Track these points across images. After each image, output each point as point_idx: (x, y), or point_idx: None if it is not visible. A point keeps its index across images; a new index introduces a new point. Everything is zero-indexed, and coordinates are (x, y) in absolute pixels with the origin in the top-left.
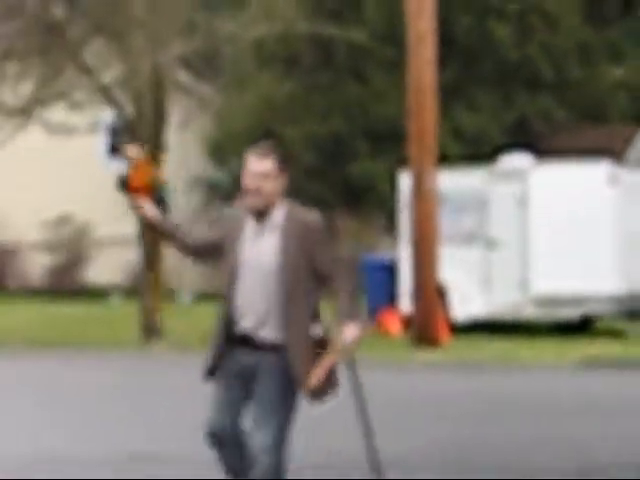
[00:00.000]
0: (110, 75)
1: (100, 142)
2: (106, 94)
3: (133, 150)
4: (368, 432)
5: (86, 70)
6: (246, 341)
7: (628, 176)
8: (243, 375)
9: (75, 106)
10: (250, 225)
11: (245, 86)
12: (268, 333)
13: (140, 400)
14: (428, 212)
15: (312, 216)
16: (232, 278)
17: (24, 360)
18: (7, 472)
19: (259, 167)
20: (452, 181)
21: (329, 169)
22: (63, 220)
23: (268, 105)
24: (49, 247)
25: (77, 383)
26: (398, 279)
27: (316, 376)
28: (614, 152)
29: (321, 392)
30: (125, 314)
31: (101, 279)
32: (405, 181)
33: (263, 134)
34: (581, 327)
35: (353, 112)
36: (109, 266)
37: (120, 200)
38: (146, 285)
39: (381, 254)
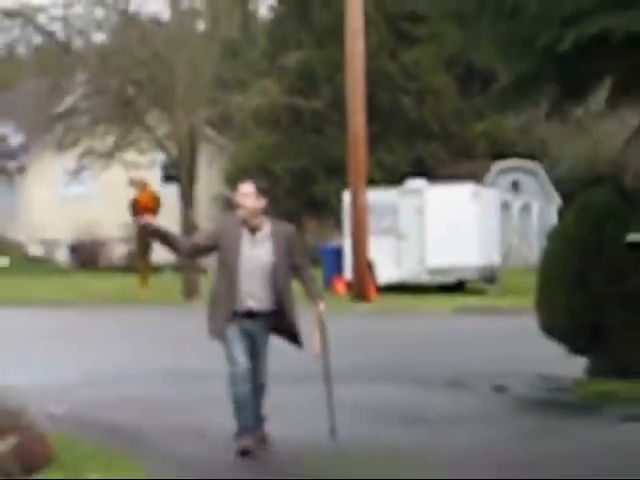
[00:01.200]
0: (162, 131)
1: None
2: (160, 143)
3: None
4: (326, 356)
5: (147, 128)
6: (248, 314)
7: (485, 193)
8: (247, 334)
9: (140, 151)
10: (246, 235)
11: (248, 138)
12: (265, 306)
13: (184, 333)
14: (361, 217)
15: (289, 227)
16: (234, 271)
17: (110, 311)
18: (96, 384)
19: (245, 190)
20: (376, 197)
21: (300, 190)
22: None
23: (262, 150)
24: (125, 240)
25: (143, 324)
26: (343, 258)
27: (316, 339)
28: (477, 178)
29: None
30: (173, 284)
31: (159, 259)
32: (347, 197)
33: (257, 169)
34: (457, 287)
35: (315, 154)
36: (162, 251)
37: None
38: (187, 264)
39: (332, 243)
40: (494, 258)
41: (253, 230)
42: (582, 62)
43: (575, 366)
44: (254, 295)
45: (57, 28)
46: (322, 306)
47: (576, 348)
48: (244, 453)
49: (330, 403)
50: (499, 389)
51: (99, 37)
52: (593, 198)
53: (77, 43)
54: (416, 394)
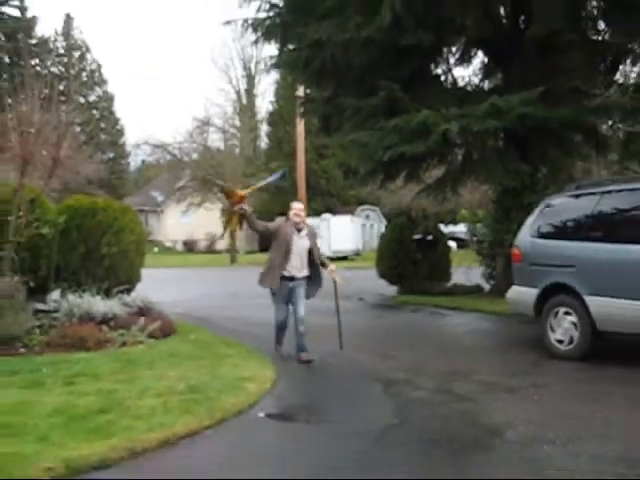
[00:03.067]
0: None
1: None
2: (221, 200)
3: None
4: (337, 299)
5: (214, 193)
6: (292, 278)
7: (355, 219)
8: (289, 291)
9: (211, 203)
10: (295, 232)
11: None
12: (303, 273)
13: (233, 278)
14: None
15: (314, 229)
16: (287, 252)
17: (200, 270)
18: (193, 300)
19: (299, 206)
20: (311, 222)
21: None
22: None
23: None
24: (209, 239)
25: (215, 274)
26: None
27: (336, 276)
28: (352, 213)
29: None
30: (226, 257)
31: (220, 247)
32: None
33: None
34: (345, 258)
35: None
36: (222, 242)
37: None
38: (231, 246)
39: None
40: (359, 246)
41: (299, 230)
42: (393, 166)
43: (393, 290)
44: (297, 266)
45: (176, 151)
46: (333, 266)
47: (393, 282)
48: (280, 354)
49: (340, 328)
50: (361, 299)
51: (194, 155)
52: (398, 220)
53: (185, 158)
54: (330, 302)
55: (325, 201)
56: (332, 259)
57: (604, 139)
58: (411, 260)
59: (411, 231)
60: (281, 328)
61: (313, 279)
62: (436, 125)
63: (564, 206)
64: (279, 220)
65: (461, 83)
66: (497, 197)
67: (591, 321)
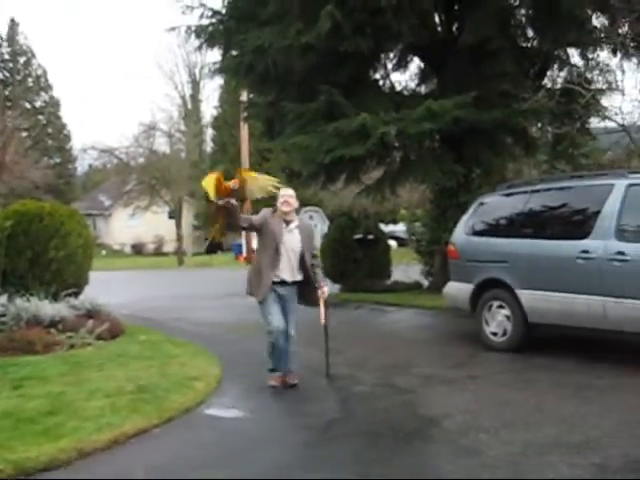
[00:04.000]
0: (168, 197)
1: (165, 214)
2: (167, 202)
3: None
4: (326, 325)
5: (161, 196)
6: (282, 282)
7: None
8: (280, 298)
9: (158, 206)
10: (283, 225)
11: (201, 198)
12: (295, 277)
13: (179, 279)
14: (248, 233)
15: (309, 223)
16: (276, 252)
17: (147, 271)
18: (140, 301)
19: (289, 193)
20: None
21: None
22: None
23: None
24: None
25: (161, 276)
26: (242, 248)
27: (322, 313)
28: (298, 214)
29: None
30: (173, 260)
31: (168, 249)
32: None
33: (205, 216)
34: None
35: None
36: (169, 244)
37: None
38: (179, 249)
39: (237, 241)
40: None
41: (287, 222)
42: (334, 168)
43: (335, 288)
44: (288, 269)
45: (123, 156)
46: (326, 289)
47: (335, 280)
48: (272, 387)
49: (327, 357)
50: None
51: (141, 159)
52: (340, 220)
53: (132, 162)
54: None
55: (269, 203)
56: None
57: (533, 140)
58: (353, 259)
59: (352, 231)
60: (277, 344)
61: (308, 291)
62: (374, 128)
63: (497, 205)
64: (265, 212)
65: (398, 88)
66: (434, 197)
67: (523, 314)
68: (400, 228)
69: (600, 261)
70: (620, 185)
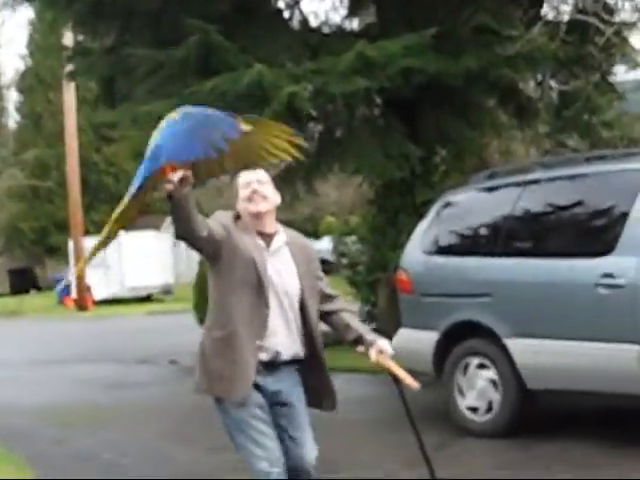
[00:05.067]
0: None
1: None
2: None
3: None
4: None
5: None
6: (275, 363)
7: (162, 236)
8: (273, 400)
9: None
10: (261, 245)
11: (3, 208)
12: (297, 349)
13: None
14: (80, 256)
15: (304, 239)
16: (259, 296)
17: None
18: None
19: (259, 177)
20: (90, 243)
21: (41, 241)
22: None
23: (13, 216)
24: None
25: None
26: (71, 286)
27: (402, 372)
28: (157, 228)
29: None
30: None
31: None
32: (71, 245)
33: (11, 228)
34: (147, 299)
35: (49, 216)
36: None
37: None
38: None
39: (57, 274)
40: (170, 279)
41: (267, 237)
42: None
43: None
44: (280, 333)
45: None
46: (386, 345)
47: None
48: None
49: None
50: (173, 362)
51: None
52: None
53: None
54: (119, 369)
55: (113, 209)
56: (127, 300)
57: (529, 103)
58: None
59: None
60: None
61: (315, 381)
62: (277, 87)
63: (471, 205)
64: (222, 216)
65: (314, 23)
66: (376, 195)
67: (517, 376)
68: (324, 245)
69: (633, 289)
70: None
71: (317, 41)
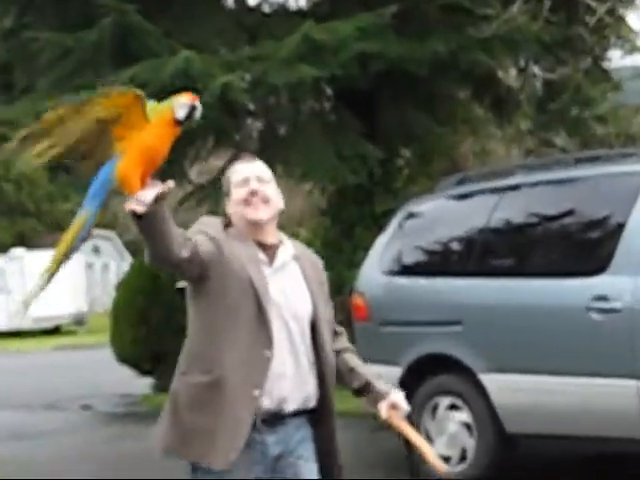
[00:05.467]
0: None
1: None
2: None
3: None
4: None
5: None
6: (280, 415)
7: (74, 255)
8: (272, 468)
9: None
10: (262, 258)
11: None
12: (306, 396)
13: None
14: None
15: (313, 254)
16: (262, 325)
17: None
18: None
19: (256, 172)
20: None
21: None
22: None
23: None
24: None
25: None
26: None
27: (426, 448)
28: None
29: None
30: None
31: None
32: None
33: None
34: (55, 331)
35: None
36: None
37: None
38: None
39: None
40: (82, 307)
41: (268, 249)
42: None
43: (145, 385)
44: (287, 375)
45: None
46: (400, 399)
47: (144, 371)
48: None
49: None
50: (86, 407)
51: None
52: None
53: None
54: (21, 416)
55: (15, 224)
56: (32, 333)
57: (509, 94)
58: (175, 327)
59: (174, 274)
60: None
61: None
62: (208, 77)
63: (440, 215)
64: (210, 225)
65: (253, 1)
66: (329, 204)
67: (495, 419)
68: None
69: (630, 314)
70: None
71: (256, 22)
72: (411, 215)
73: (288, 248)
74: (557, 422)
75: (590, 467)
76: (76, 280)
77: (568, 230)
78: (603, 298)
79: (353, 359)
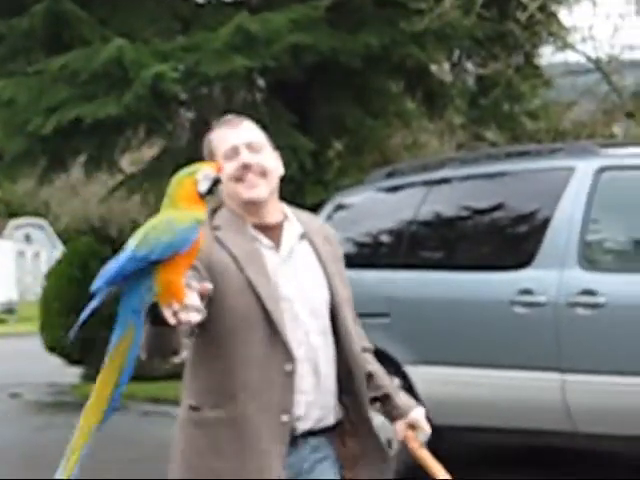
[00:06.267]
0: None
1: None
2: None
3: None
4: None
5: None
6: (298, 434)
7: (4, 243)
8: None
9: None
10: (265, 243)
11: None
12: (323, 415)
13: None
14: None
15: (325, 225)
16: (275, 345)
17: None
18: None
19: (248, 137)
20: None
21: None
22: None
23: None
24: None
25: None
26: None
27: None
28: None
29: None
30: None
31: None
32: None
33: None
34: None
35: None
36: None
37: None
38: None
39: None
40: (13, 295)
41: (270, 231)
42: (64, 141)
43: (74, 374)
44: (306, 392)
45: None
46: (423, 420)
47: (73, 360)
48: None
49: None
50: (14, 396)
51: None
52: (82, 244)
53: None
54: None
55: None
56: None
57: (440, 88)
58: (106, 316)
59: (104, 263)
60: None
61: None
62: (140, 66)
63: (369, 207)
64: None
65: None
66: None
67: None
68: None
69: (554, 308)
70: (585, 169)
71: (189, 12)
72: (340, 207)
73: (294, 225)
74: (483, 414)
75: (516, 459)
76: (6, 269)
77: (495, 224)
78: (528, 292)
79: (373, 363)
